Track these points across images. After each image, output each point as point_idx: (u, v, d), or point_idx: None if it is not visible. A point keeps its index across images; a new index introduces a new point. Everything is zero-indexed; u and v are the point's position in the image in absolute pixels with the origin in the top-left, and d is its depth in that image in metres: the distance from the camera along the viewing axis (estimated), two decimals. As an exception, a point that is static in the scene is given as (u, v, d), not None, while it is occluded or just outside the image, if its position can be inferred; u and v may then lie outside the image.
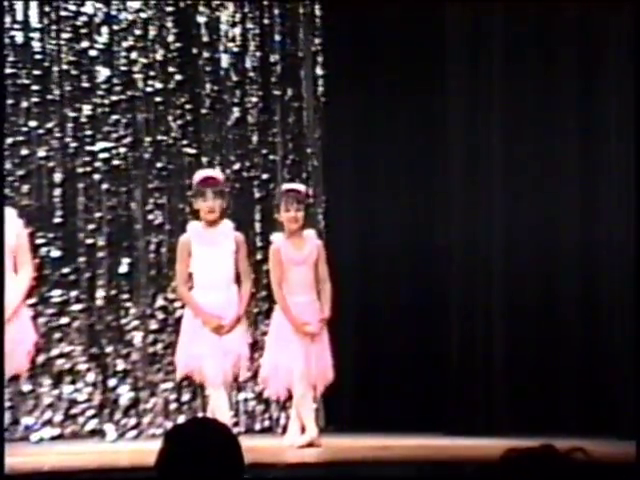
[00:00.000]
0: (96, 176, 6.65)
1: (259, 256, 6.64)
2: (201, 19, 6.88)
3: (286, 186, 6.03)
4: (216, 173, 5.82)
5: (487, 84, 6.59)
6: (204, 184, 5.56)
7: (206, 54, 6.89)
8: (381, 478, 4.79)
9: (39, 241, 6.51)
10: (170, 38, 6.83)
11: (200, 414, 6.51)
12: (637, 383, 5.82)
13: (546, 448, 2.09)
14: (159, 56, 6.78)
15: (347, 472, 4.87)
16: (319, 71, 7.12)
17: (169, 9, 6.81)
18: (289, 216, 5.71)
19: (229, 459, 2.21)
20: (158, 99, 6.77)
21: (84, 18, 6.64)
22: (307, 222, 5.89)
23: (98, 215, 6.64)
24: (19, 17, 6.52)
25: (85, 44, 6.65)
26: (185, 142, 6.81)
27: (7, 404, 6.37)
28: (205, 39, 6.91)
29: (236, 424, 6.68)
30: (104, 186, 6.65)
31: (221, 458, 2.20)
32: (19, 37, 6.55)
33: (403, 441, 5.85)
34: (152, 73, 6.77)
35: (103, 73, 6.67)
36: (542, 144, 6.48)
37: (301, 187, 5.98)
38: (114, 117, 6.69)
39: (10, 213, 5.49)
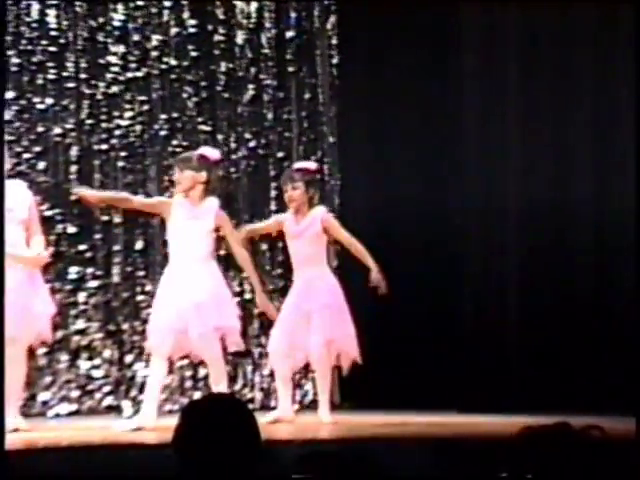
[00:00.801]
0: (112, 153, 6.66)
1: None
2: (216, -4, 6.87)
3: (294, 165, 6.06)
4: (209, 150, 5.77)
5: (502, 55, 6.57)
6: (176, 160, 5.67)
7: (221, 30, 6.88)
8: (396, 455, 4.81)
9: (56, 218, 6.54)
10: (185, 15, 6.82)
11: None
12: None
13: (562, 426, 2.11)
14: (174, 33, 6.78)
15: (362, 449, 4.88)
16: (334, 48, 7.10)
17: (185, -14, 6.80)
18: (285, 196, 5.76)
19: (245, 435, 2.23)
20: (173, 76, 6.77)
21: (100, -5, 6.64)
22: (312, 200, 5.85)
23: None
24: (35, -6, 6.53)
25: (101, 20, 6.65)
26: (200, 119, 6.81)
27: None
28: (220, 16, 6.90)
29: (251, 400, 6.71)
30: (120, 163, 6.67)
31: (237, 434, 2.22)
32: (35, 13, 6.56)
33: (417, 418, 5.87)
34: (167, 50, 6.77)
35: (119, 50, 6.67)
36: (557, 112, 6.47)
37: (304, 165, 5.96)
38: (130, 94, 6.69)
39: (20, 185, 5.52)
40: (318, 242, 5.76)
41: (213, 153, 5.72)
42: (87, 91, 6.61)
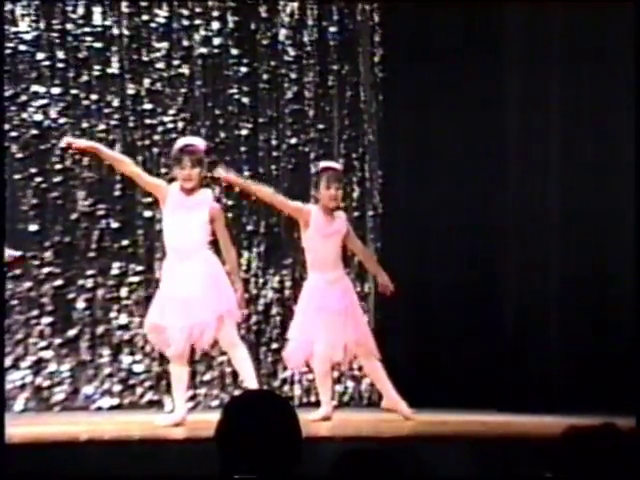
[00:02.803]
0: (155, 149, 6.71)
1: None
2: (260, -7, 6.89)
3: (324, 164, 6.00)
4: (197, 141, 5.66)
5: (545, 64, 6.54)
6: (182, 151, 5.47)
7: (264, 28, 6.90)
8: (434, 454, 4.80)
9: (99, 213, 6.60)
10: (228, 13, 6.85)
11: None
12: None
13: (608, 426, 2.10)
14: (217, 30, 6.81)
15: (402, 447, 4.88)
16: (377, 46, 7.10)
17: (228, -17, 6.82)
18: (331, 194, 5.70)
19: (286, 431, 2.24)
20: (215, 73, 6.80)
21: (145, -8, 6.69)
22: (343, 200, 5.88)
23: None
24: (81, -9, 6.59)
25: (145, 17, 6.70)
26: (242, 116, 6.84)
27: (67, 373, 6.49)
28: (263, 14, 6.91)
29: (290, 397, 6.73)
30: (162, 159, 6.71)
31: (278, 430, 2.23)
32: (80, 10, 6.61)
33: (457, 417, 5.86)
34: (210, 47, 6.80)
35: (162, 47, 6.71)
36: (598, 124, 6.42)
37: (338, 165, 5.97)
38: (172, 91, 6.73)
39: None
40: (341, 244, 5.76)
41: (203, 143, 5.68)
42: (131, 87, 6.66)
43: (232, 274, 5.50)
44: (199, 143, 5.60)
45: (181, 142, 5.58)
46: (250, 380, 5.49)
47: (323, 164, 5.99)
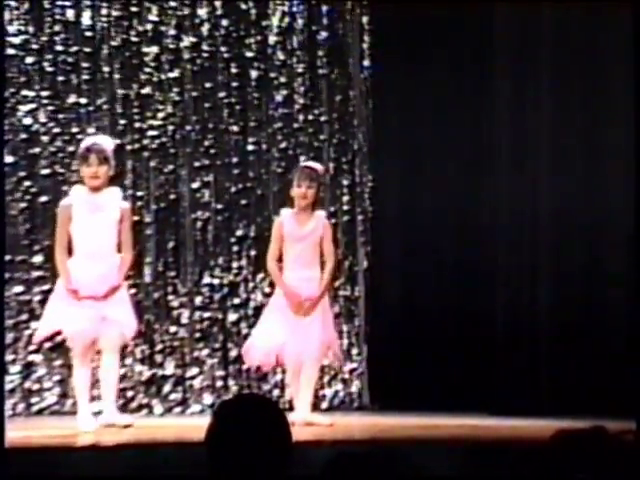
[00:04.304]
0: (144, 153, 6.70)
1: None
2: (249, -3, 6.89)
3: (303, 163, 6.02)
4: (104, 139, 5.62)
5: (535, 66, 6.55)
6: (89, 150, 5.43)
7: (253, 31, 6.90)
8: (425, 457, 4.80)
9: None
10: (218, 16, 6.85)
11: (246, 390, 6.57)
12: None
13: (597, 429, 2.10)
14: (206, 34, 6.81)
15: (391, 451, 4.88)
16: (366, 50, 7.10)
17: (217, -13, 6.83)
18: (300, 192, 5.68)
19: (277, 435, 2.24)
20: (205, 77, 6.80)
21: (133, -4, 6.68)
22: (319, 202, 5.80)
23: (146, 192, 6.70)
24: (70, -5, 6.58)
25: (134, 21, 6.70)
26: (232, 120, 6.84)
27: (57, 377, 6.48)
28: (253, 17, 6.92)
29: (279, 401, 6.72)
30: (152, 164, 6.71)
31: (269, 434, 2.23)
32: (70, 14, 6.60)
33: (448, 421, 5.87)
34: (199, 51, 6.80)
35: (152, 51, 6.72)
36: (590, 125, 6.43)
37: (318, 166, 5.93)
38: (162, 95, 6.73)
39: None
40: (318, 247, 5.70)
41: (111, 142, 5.64)
42: (120, 91, 6.66)
43: (119, 271, 5.41)
44: (106, 142, 5.57)
45: (88, 141, 5.56)
46: (109, 390, 5.46)
47: (302, 163, 6.00)
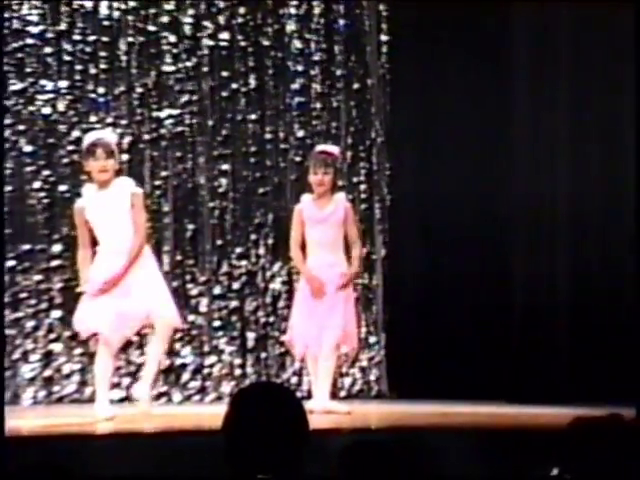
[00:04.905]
0: (162, 143, 6.72)
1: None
2: (266, -15, 6.89)
3: (318, 148, 5.95)
4: (106, 134, 5.64)
5: (553, 51, 6.52)
6: (95, 145, 5.43)
7: (270, 20, 6.90)
8: (443, 445, 4.81)
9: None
10: (235, 4, 6.85)
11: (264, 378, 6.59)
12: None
13: (613, 417, 2.11)
14: (224, 23, 6.81)
15: (409, 438, 4.89)
16: (384, 37, 7.09)
17: (234, -24, 6.83)
18: (316, 179, 5.66)
19: (293, 423, 2.25)
20: (222, 66, 6.80)
21: (151, -15, 6.69)
22: (337, 186, 5.78)
23: (163, 181, 6.72)
24: (87, -16, 6.60)
25: (152, 10, 6.71)
26: (249, 109, 6.84)
27: (77, 366, 6.52)
28: (270, 5, 6.91)
29: (298, 389, 6.74)
30: (169, 153, 6.72)
31: (286, 422, 2.23)
32: (88, 4, 6.62)
33: (466, 408, 5.87)
34: (214, 42, 6.80)
35: (169, 40, 6.72)
36: (606, 108, 6.41)
37: (334, 149, 5.88)
38: (180, 84, 6.74)
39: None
40: (340, 228, 5.69)
41: (114, 136, 5.66)
42: (138, 81, 6.67)
43: (129, 257, 5.38)
44: (109, 136, 5.61)
45: (92, 136, 5.56)
46: (146, 378, 5.47)
47: (318, 147, 5.94)
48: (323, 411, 5.46)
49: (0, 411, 4.26)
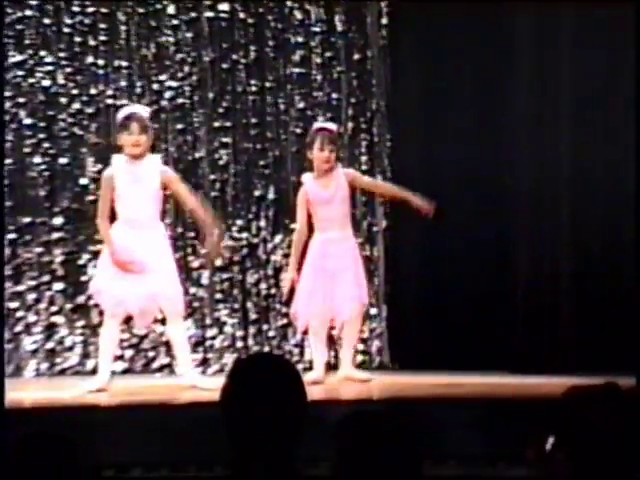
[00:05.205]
0: (162, 115, 6.70)
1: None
2: (265, -44, 6.84)
3: (319, 124, 5.98)
4: (140, 108, 5.67)
5: (555, 22, 6.48)
6: (129, 118, 5.46)
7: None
8: (445, 416, 4.82)
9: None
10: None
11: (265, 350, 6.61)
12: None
13: (608, 386, 2.11)
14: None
15: (411, 409, 4.90)
16: (384, 8, 7.04)
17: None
18: (322, 156, 5.69)
19: (292, 394, 2.25)
20: (222, 38, 6.77)
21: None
22: (337, 161, 5.86)
23: (164, 154, 6.70)
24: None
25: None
26: (250, 81, 6.82)
27: (80, 338, 6.54)
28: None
29: (300, 361, 6.76)
30: (170, 125, 6.70)
31: (284, 393, 2.23)
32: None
33: (468, 379, 5.88)
34: (213, 13, 6.77)
35: (169, 11, 6.69)
36: (607, 80, 6.38)
37: (333, 126, 5.93)
38: (180, 56, 6.71)
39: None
40: (347, 204, 5.75)
41: (147, 110, 5.67)
42: (137, 52, 6.64)
43: (209, 225, 5.46)
44: (143, 111, 5.62)
45: (126, 110, 5.58)
46: (184, 361, 5.48)
47: (317, 125, 5.97)
48: (345, 378, 5.52)
49: (0, 384, 4.28)
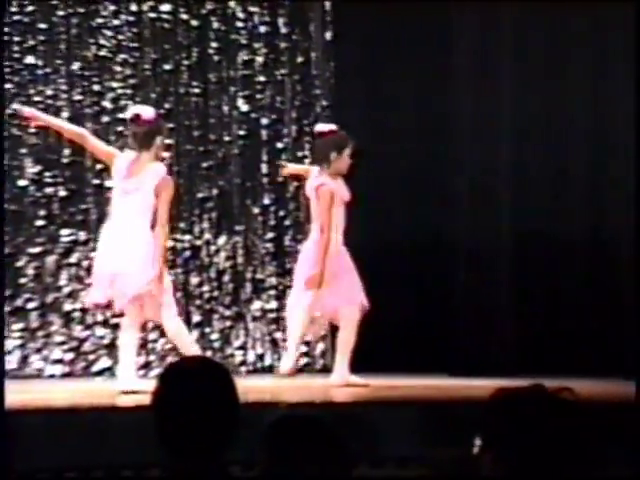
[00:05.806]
0: (104, 118, 6.64)
1: (266, 200, 6.68)
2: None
3: (333, 127, 5.85)
4: (146, 110, 5.54)
5: (497, 42, 6.59)
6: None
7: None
8: (385, 418, 4.83)
9: (47, 180, 6.53)
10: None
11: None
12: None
13: (535, 387, 2.11)
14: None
15: (351, 412, 4.90)
16: (328, 9, 7.05)
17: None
18: (349, 162, 5.67)
19: (223, 397, 2.23)
20: (165, 39, 6.73)
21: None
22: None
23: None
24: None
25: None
26: (193, 83, 6.79)
27: (18, 342, 6.46)
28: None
29: (243, 363, 6.73)
30: (111, 126, 6.65)
31: (215, 396, 2.22)
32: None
33: (407, 381, 5.89)
34: (155, 14, 6.73)
35: (110, 11, 6.64)
36: (551, 58, 6.49)
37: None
38: (121, 56, 6.66)
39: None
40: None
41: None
42: (78, 53, 6.58)
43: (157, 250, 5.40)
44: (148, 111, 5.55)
45: (135, 110, 5.52)
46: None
47: (334, 127, 5.83)
48: (343, 384, 5.51)
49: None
